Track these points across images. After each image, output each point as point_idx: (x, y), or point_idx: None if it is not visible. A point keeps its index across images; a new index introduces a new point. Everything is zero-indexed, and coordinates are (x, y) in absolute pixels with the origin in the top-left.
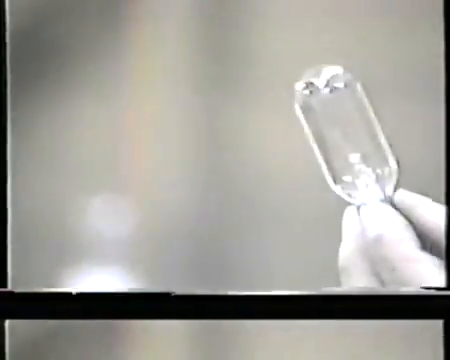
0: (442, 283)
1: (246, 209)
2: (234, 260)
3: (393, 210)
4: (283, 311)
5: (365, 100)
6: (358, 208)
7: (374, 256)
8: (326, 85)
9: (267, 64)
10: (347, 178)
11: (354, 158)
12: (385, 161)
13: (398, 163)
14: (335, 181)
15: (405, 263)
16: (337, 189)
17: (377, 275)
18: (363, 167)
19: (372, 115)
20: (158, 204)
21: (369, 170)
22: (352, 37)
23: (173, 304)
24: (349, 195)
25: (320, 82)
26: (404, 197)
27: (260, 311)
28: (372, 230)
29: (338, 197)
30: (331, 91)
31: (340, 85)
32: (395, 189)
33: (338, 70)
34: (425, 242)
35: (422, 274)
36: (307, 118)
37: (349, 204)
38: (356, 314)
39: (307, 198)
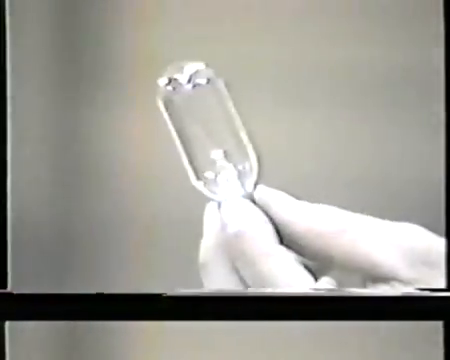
0: (302, 278)
1: (112, 210)
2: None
3: (253, 206)
4: (277, 312)
5: (227, 96)
6: (219, 204)
7: (234, 252)
8: (189, 81)
9: (127, 62)
10: (209, 174)
11: (216, 154)
12: (246, 157)
13: (259, 159)
14: (197, 177)
15: (264, 258)
16: (199, 185)
17: (237, 271)
18: (224, 163)
19: (233, 111)
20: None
21: (230, 166)
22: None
23: (165, 305)
24: (211, 191)
25: (183, 78)
26: (263, 193)
27: (252, 312)
28: (232, 226)
29: (201, 194)
30: (194, 87)
31: (202, 81)
32: (255, 185)
33: (200, 66)
34: (283, 237)
35: (280, 269)
36: (170, 114)
37: (210, 201)
38: (356, 315)
39: (171, 196)
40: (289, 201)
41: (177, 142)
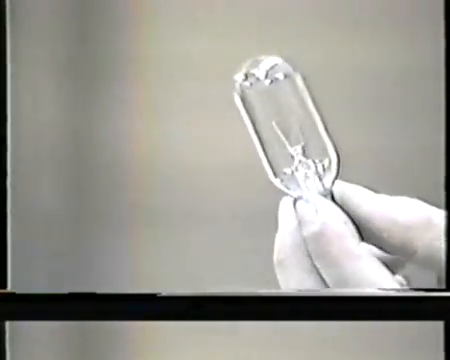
0: (384, 278)
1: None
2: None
3: (332, 204)
4: (277, 312)
5: (305, 91)
6: (296, 201)
7: (314, 251)
8: (266, 76)
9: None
10: (287, 170)
11: (294, 150)
12: (325, 153)
13: (338, 154)
14: (275, 174)
15: (347, 258)
16: (277, 182)
17: (316, 270)
18: (303, 159)
19: (311, 106)
20: None
21: (309, 162)
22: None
23: (160, 305)
24: (288, 188)
25: (260, 73)
26: (342, 188)
27: (247, 312)
28: (312, 225)
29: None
30: (271, 82)
31: (280, 76)
32: (334, 181)
33: (277, 61)
34: (363, 231)
35: (364, 269)
36: (247, 109)
37: (285, 196)
38: (357, 315)
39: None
40: (369, 195)
41: (254, 138)
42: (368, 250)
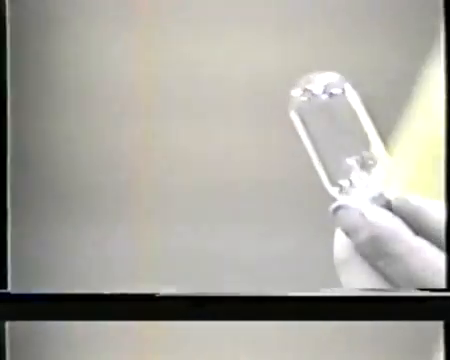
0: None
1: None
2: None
3: (385, 210)
4: (277, 312)
5: (360, 104)
6: (335, 210)
7: (372, 254)
8: (324, 91)
9: None
10: (344, 182)
11: (350, 161)
12: (380, 163)
13: (393, 164)
14: (332, 184)
15: (409, 254)
16: (334, 191)
17: (379, 269)
18: (360, 170)
19: (367, 118)
20: None
21: (365, 174)
22: None
23: (160, 305)
24: (345, 197)
25: (317, 88)
26: (403, 200)
27: (247, 312)
28: (361, 231)
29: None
30: (329, 97)
31: (337, 91)
32: (390, 191)
33: (334, 76)
34: (418, 231)
35: (426, 262)
36: (304, 124)
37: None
38: (357, 315)
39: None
40: (436, 205)
41: (311, 151)
42: (428, 244)
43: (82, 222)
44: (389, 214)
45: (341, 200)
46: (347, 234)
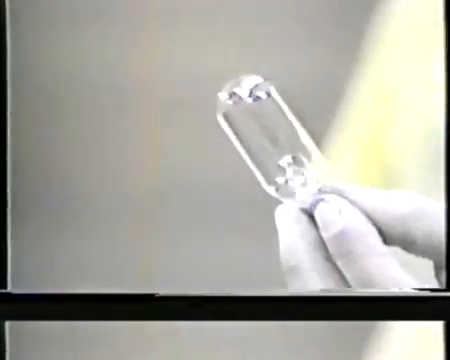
0: (406, 277)
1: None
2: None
3: (349, 204)
4: (277, 312)
5: (284, 105)
6: (315, 203)
7: (336, 252)
8: (249, 94)
9: None
10: (280, 179)
11: (285, 160)
12: (313, 159)
13: (324, 157)
14: (268, 183)
15: (372, 258)
16: (270, 190)
17: (335, 271)
18: (296, 167)
19: (294, 119)
20: None
21: (300, 169)
22: None
23: (159, 305)
24: (283, 195)
25: (243, 92)
26: (336, 187)
27: (247, 312)
28: (334, 225)
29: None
30: (254, 100)
31: (262, 95)
32: (325, 183)
33: (259, 80)
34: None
35: (387, 269)
36: (231, 127)
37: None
38: (357, 315)
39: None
40: (362, 190)
41: (242, 153)
42: (391, 252)
43: (82, 222)
44: (364, 218)
45: (296, 199)
46: (322, 228)
